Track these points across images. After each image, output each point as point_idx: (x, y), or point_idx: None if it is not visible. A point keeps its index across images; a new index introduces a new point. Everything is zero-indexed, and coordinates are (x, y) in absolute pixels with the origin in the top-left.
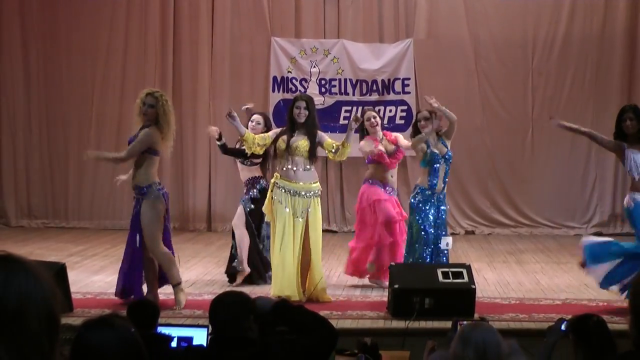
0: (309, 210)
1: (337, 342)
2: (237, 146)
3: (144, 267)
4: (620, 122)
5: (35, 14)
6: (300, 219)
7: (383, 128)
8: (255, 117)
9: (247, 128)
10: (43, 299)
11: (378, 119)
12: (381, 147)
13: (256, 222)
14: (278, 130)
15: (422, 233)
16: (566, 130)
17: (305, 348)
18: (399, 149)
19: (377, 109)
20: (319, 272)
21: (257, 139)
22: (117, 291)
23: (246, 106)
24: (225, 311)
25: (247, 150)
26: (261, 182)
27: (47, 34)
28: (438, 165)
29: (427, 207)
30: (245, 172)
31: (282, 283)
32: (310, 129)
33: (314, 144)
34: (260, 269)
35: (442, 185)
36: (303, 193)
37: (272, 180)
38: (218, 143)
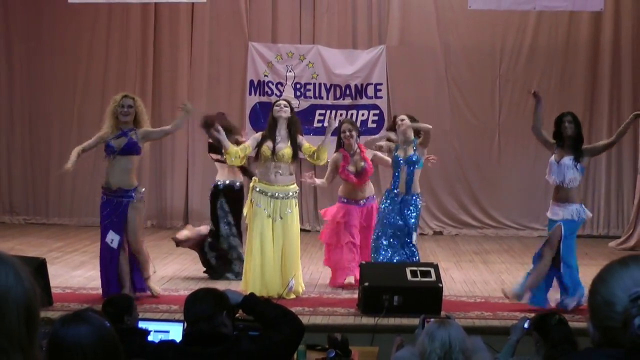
0: (288, 212)
1: (305, 335)
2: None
3: (118, 267)
4: (560, 124)
5: (19, 15)
6: (279, 221)
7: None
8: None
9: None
10: (23, 293)
11: (353, 132)
12: (350, 167)
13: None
14: (257, 135)
15: (380, 241)
16: (536, 104)
17: (274, 342)
18: (367, 168)
19: (350, 112)
20: (296, 269)
21: (238, 152)
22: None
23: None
24: (199, 307)
25: (228, 162)
26: (237, 184)
27: (31, 35)
28: (399, 169)
29: (390, 213)
30: (226, 173)
31: (265, 283)
32: (291, 131)
33: (296, 149)
34: (223, 264)
35: (405, 188)
36: (281, 195)
37: (251, 185)
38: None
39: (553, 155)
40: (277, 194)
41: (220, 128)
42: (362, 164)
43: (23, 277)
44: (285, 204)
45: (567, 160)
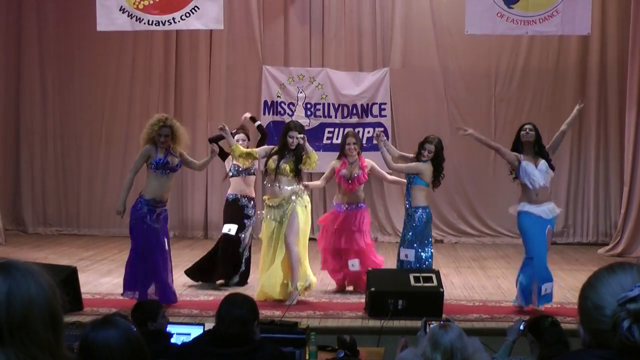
0: (293, 212)
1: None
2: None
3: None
4: (520, 131)
5: (52, 44)
6: (285, 223)
7: (362, 149)
8: (239, 136)
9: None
10: (45, 300)
11: (357, 146)
12: (344, 171)
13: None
14: (267, 147)
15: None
16: (476, 140)
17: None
18: (362, 174)
19: (356, 130)
20: (304, 272)
21: (244, 152)
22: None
23: (245, 116)
24: (238, 311)
25: (232, 156)
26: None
27: (62, 61)
28: (407, 186)
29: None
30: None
31: (271, 289)
32: (298, 153)
33: (298, 165)
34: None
35: (405, 201)
36: (285, 202)
37: (265, 202)
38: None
39: (523, 162)
40: (281, 202)
41: (226, 128)
42: (357, 171)
43: (43, 283)
44: (289, 208)
45: (543, 165)
